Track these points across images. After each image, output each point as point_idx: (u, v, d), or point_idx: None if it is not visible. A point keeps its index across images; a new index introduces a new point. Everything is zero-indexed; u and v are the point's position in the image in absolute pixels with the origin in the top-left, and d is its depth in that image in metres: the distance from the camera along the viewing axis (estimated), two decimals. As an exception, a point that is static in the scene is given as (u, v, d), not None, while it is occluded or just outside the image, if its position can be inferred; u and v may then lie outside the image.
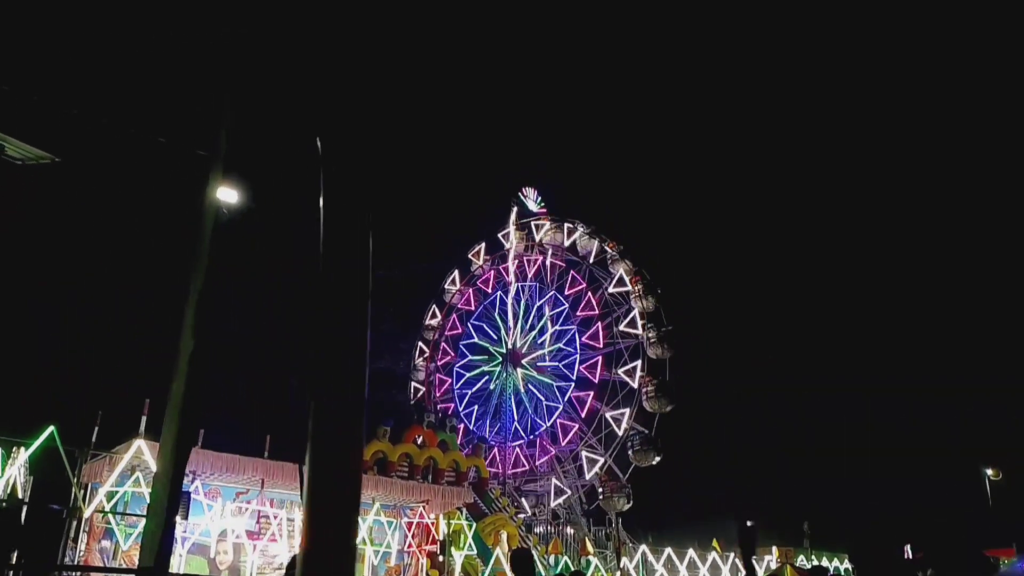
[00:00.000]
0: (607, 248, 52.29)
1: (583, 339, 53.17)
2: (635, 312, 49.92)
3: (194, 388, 9.88)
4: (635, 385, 48.69)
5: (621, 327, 50.85)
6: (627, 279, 51.07)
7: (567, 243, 54.99)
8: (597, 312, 52.46)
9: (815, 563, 48.98)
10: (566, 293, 55.05)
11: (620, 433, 48.35)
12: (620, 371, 50.00)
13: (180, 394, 9.63)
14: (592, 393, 51.29)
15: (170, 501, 9.46)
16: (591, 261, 53.33)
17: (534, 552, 36.26)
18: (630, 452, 47.38)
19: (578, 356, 53.07)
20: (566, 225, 55.15)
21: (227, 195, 10.33)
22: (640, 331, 49.21)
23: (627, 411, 48.50)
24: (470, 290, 61.33)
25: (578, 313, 53.92)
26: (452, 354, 60.20)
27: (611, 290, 51.71)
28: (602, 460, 48.67)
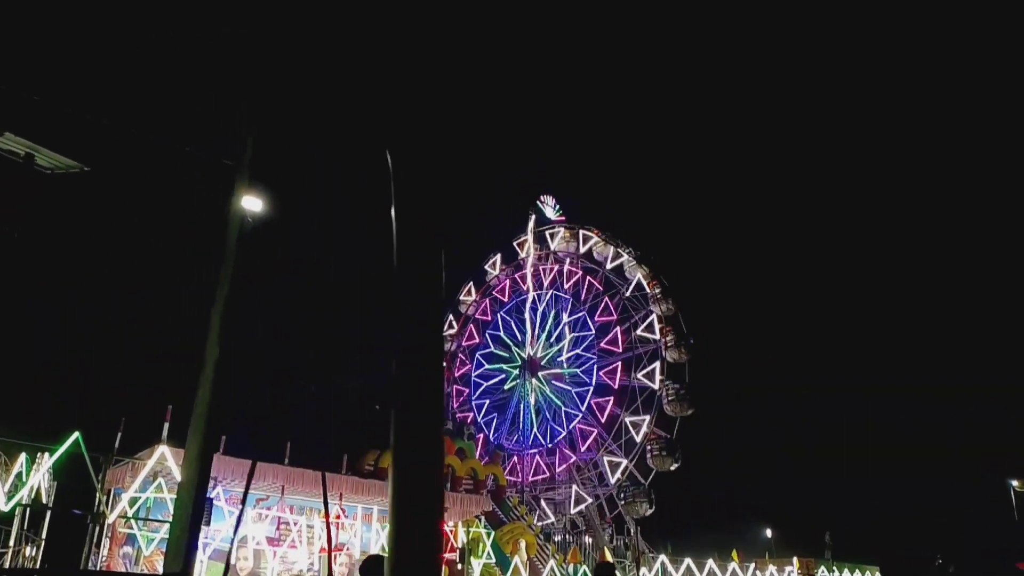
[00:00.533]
0: (623, 254, 52.20)
1: (601, 344, 53.05)
2: (653, 316, 49.77)
3: (220, 395, 9.97)
4: (655, 387, 48.51)
5: (639, 332, 50.69)
6: (645, 283, 50.96)
7: (583, 250, 54.96)
8: (615, 317, 52.37)
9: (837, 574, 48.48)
10: (583, 299, 55.00)
11: (639, 439, 48.16)
12: (639, 375, 49.83)
13: (206, 401, 9.72)
14: (612, 399, 51.13)
15: (195, 507, 9.54)
16: (607, 267, 53.26)
17: (552, 560, 36.16)
18: (649, 457, 47.17)
19: (596, 362, 52.94)
20: (581, 232, 55.11)
21: (252, 204, 10.44)
22: (658, 335, 49.04)
23: (647, 417, 48.32)
24: (486, 300, 61.41)
25: (595, 319, 53.81)
26: (469, 364, 60.24)
27: (628, 295, 51.60)
28: (624, 464, 48.48)
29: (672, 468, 46.82)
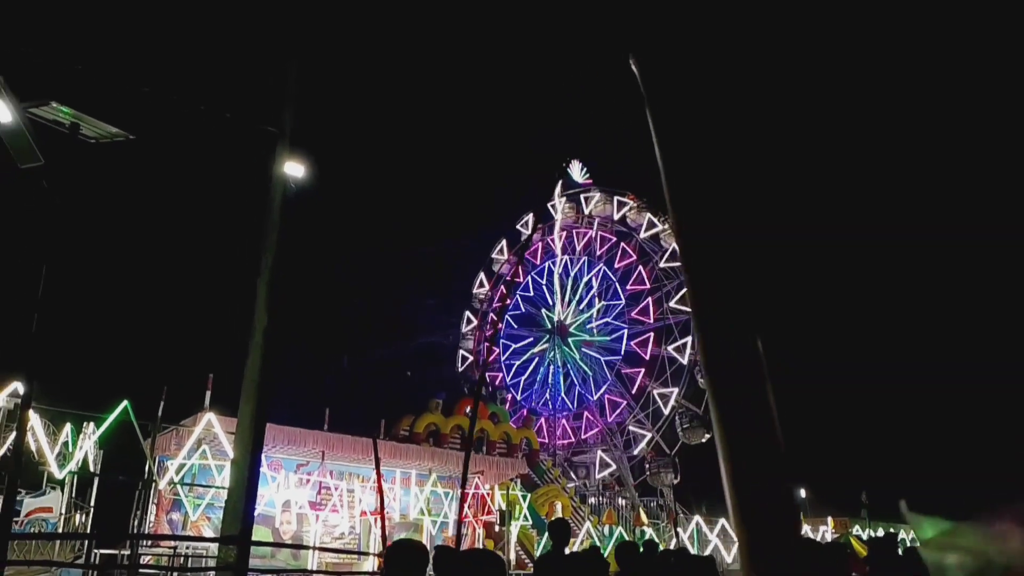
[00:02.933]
0: (658, 223, 51.44)
1: (632, 314, 52.73)
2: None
3: (269, 362, 10.03)
4: (684, 362, 48.17)
5: (671, 303, 50.16)
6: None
7: (616, 216, 54.30)
8: (647, 287, 51.86)
9: (872, 535, 48.36)
10: (615, 267, 54.53)
11: (666, 411, 48.04)
12: (670, 348, 49.53)
13: (256, 368, 9.80)
14: (642, 370, 50.96)
15: (251, 472, 9.65)
16: (642, 235, 52.54)
17: (587, 522, 36.46)
18: (679, 430, 46.97)
19: (626, 331, 52.71)
20: (616, 197, 54.34)
21: (294, 170, 10.40)
22: (691, 308, 48.53)
23: (675, 389, 48.11)
24: (518, 261, 61.15)
25: (627, 287, 53.42)
26: (500, 324, 60.35)
27: (662, 264, 50.93)
28: (649, 436, 48.51)
29: (703, 440, 46.65)
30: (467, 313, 61.95)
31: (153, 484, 19.79)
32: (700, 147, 3.73)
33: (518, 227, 61.32)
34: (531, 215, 60.72)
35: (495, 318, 60.50)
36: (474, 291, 62.22)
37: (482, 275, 61.95)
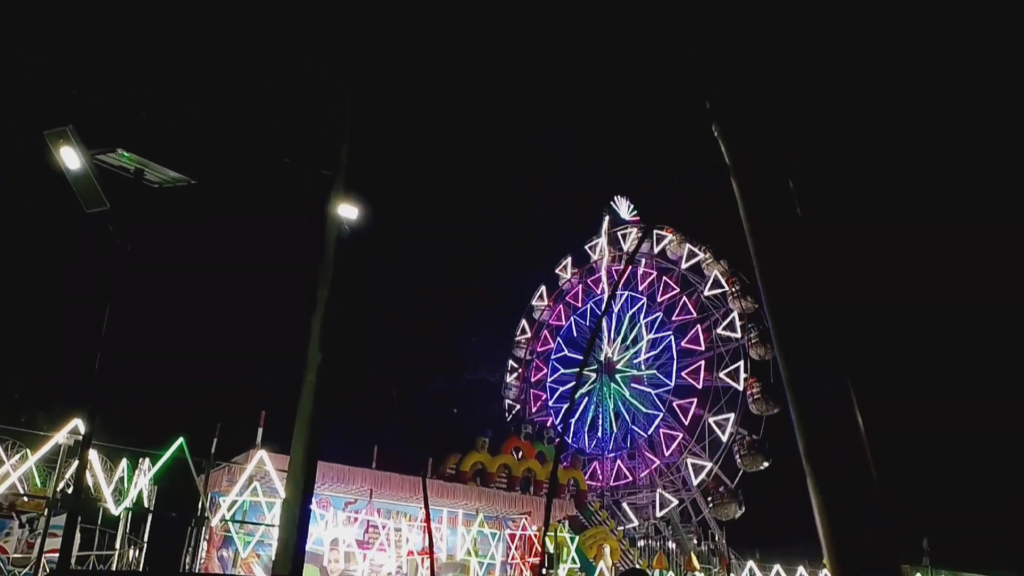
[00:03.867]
0: (699, 252, 51.20)
1: (681, 344, 52.14)
2: (734, 314, 48.61)
3: (322, 401, 10.12)
4: (739, 387, 47.41)
5: (719, 330, 49.61)
6: (722, 280, 49.85)
7: (656, 250, 54.17)
8: (694, 316, 51.37)
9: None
10: (659, 300, 54.19)
11: (725, 438, 47.09)
12: (722, 374, 48.81)
13: (310, 406, 9.88)
14: (695, 400, 50.18)
15: (302, 512, 9.69)
16: (683, 267, 52.29)
17: (637, 564, 35.64)
18: (737, 458, 46.02)
19: (675, 362, 52.09)
20: (655, 232, 54.22)
21: (348, 212, 10.60)
22: (739, 333, 47.84)
23: (731, 416, 47.25)
24: (559, 305, 61.17)
25: (673, 319, 52.94)
26: (545, 369, 60.10)
27: (707, 293, 50.48)
28: (708, 466, 47.48)
29: (762, 468, 45.54)
30: (510, 362, 61.90)
31: (206, 521, 20.00)
32: (787, 216, 3.72)
33: (557, 271, 61.46)
34: (569, 259, 60.83)
35: (540, 363, 60.31)
36: (516, 338, 62.22)
37: (523, 323, 62.06)
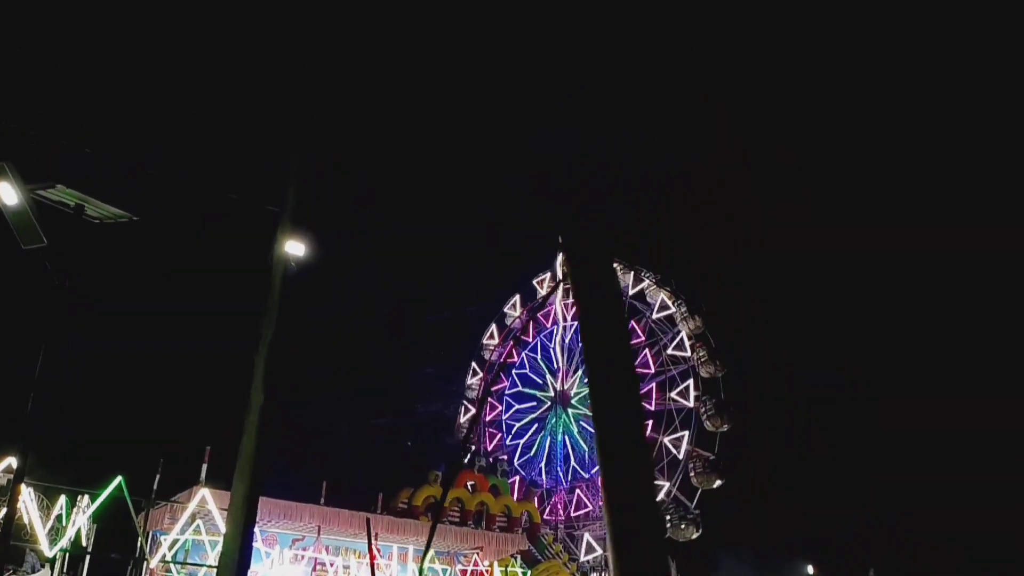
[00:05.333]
0: (644, 279, 51.84)
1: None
2: (682, 334, 49.16)
3: (265, 440, 9.97)
4: (691, 405, 47.87)
5: (669, 351, 50.04)
6: (669, 303, 50.46)
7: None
8: (643, 339, 51.77)
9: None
10: (622, 344, 54.48)
11: (681, 456, 47.33)
12: (674, 395, 49.24)
13: (252, 446, 9.73)
14: (649, 423, 50.36)
15: (242, 552, 9.52)
16: (629, 294, 52.68)
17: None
18: (692, 476, 46.27)
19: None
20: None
21: (295, 249, 10.55)
22: (689, 352, 48.37)
23: (686, 434, 47.60)
24: (509, 342, 60.96)
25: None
26: (499, 406, 59.77)
27: (655, 317, 50.97)
28: (666, 487, 47.60)
29: (716, 485, 45.81)
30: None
31: (144, 563, 19.39)
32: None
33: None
34: (518, 297, 60.79)
35: (493, 402, 60.00)
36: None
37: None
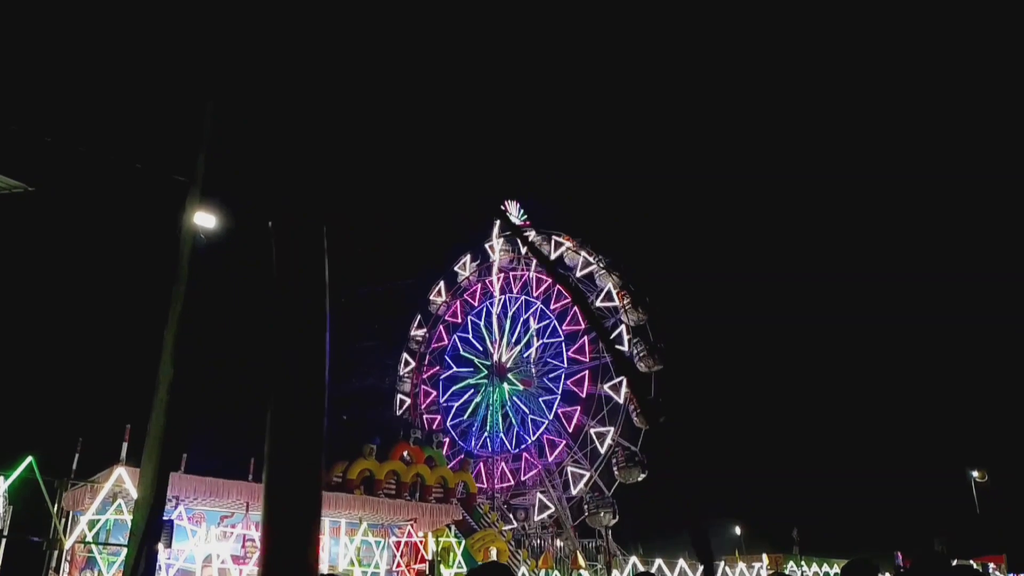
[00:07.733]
0: (593, 263, 52.18)
1: (569, 353, 53.00)
2: (622, 327, 49.63)
3: (175, 418, 9.71)
4: (620, 400, 48.53)
5: (597, 304, 50.28)
6: (614, 293, 50.85)
7: (553, 256, 54.64)
8: (583, 326, 52.23)
9: (805, 570, 49.10)
10: (552, 307, 54.88)
11: (603, 451, 48.19)
12: (606, 386, 49.89)
13: (160, 425, 9.46)
14: (579, 408, 51.06)
15: (150, 530, 9.29)
16: (577, 275, 52.93)
17: (524, 567, 36.07)
18: (615, 469, 47.07)
19: (564, 370, 52.92)
20: (553, 239, 54.82)
21: (205, 220, 10.22)
22: (626, 346, 48.78)
23: (611, 428, 48.36)
24: (456, 302, 60.99)
25: (564, 327, 53.73)
26: (438, 366, 59.90)
27: (598, 304, 51.33)
28: (587, 475, 48.41)
29: (639, 479, 46.73)
30: (404, 355, 61.38)
31: (59, 543, 18.80)
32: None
33: (455, 268, 61.30)
34: (468, 256, 60.77)
35: (433, 359, 60.09)
36: (411, 333, 61.74)
37: (419, 317, 61.64)
